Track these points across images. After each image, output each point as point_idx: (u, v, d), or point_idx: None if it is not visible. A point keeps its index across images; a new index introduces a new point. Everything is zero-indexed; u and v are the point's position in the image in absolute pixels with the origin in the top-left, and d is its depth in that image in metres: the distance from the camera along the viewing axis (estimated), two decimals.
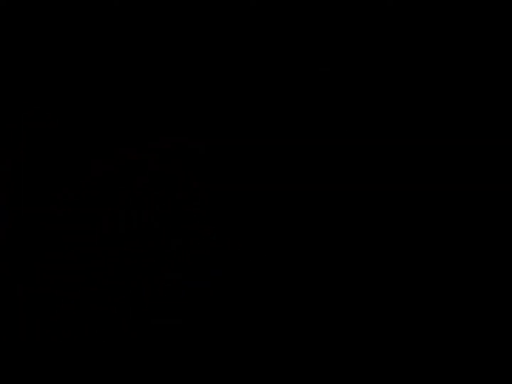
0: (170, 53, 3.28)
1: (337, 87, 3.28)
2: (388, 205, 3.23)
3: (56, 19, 3.25)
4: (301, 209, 3.25)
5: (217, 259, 3.21)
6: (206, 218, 3.23)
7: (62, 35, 3.26)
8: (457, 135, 3.25)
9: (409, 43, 3.26)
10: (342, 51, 3.27)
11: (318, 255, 3.22)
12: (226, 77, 3.29)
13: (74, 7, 3.25)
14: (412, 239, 3.22)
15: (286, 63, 3.29)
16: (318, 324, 3.17)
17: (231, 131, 3.28)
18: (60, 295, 3.15)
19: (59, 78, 3.27)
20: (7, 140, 3.23)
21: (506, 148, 3.23)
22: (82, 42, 3.27)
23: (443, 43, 3.26)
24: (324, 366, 3.14)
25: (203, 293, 3.19)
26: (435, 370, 3.12)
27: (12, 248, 3.18)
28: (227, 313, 3.18)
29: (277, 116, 3.28)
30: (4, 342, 3.11)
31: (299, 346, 3.15)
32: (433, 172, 3.24)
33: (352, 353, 3.14)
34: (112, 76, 3.27)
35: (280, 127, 3.27)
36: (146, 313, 3.16)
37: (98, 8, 3.25)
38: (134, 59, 3.28)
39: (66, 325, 3.14)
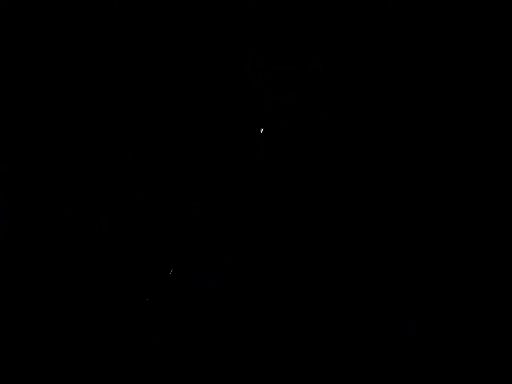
0: (171, 54, 3.28)
1: (336, 86, 3.28)
2: (388, 205, 3.23)
3: (56, 19, 3.25)
4: (301, 209, 3.25)
5: (217, 259, 3.21)
6: (206, 218, 3.23)
7: (62, 35, 3.26)
8: (457, 135, 3.25)
9: (409, 43, 3.25)
10: (342, 51, 3.27)
11: (316, 253, 3.22)
12: (224, 78, 3.29)
13: (74, 7, 3.25)
14: (412, 239, 3.22)
15: (286, 63, 3.29)
16: (312, 315, 3.17)
17: (231, 131, 3.28)
18: (60, 295, 3.15)
19: (59, 78, 3.27)
20: (7, 140, 3.23)
21: (506, 148, 3.23)
22: (82, 42, 3.27)
23: (443, 43, 3.26)
24: (324, 366, 3.14)
25: (203, 293, 3.19)
26: (435, 370, 3.12)
27: (12, 248, 3.18)
28: (227, 312, 3.18)
29: (275, 116, 3.28)
30: (4, 342, 3.11)
31: (300, 346, 3.15)
32: (433, 172, 3.25)
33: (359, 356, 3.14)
34: (112, 77, 3.27)
35: (278, 127, 3.28)
36: (146, 313, 3.16)
37: (98, 8, 3.25)
38: (135, 59, 3.28)
39: (66, 325, 3.14)
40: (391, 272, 3.20)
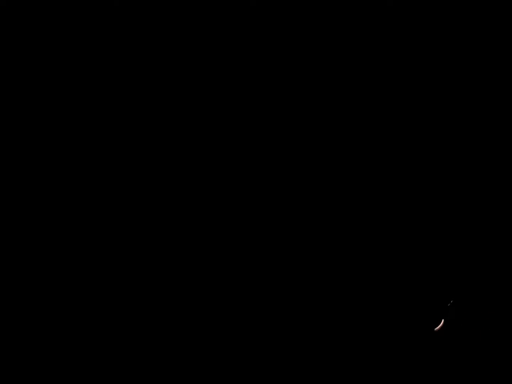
0: (171, 54, 3.29)
1: (335, 86, 3.28)
2: (388, 205, 3.24)
3: (56, 19, 3.25)
4: (301, 209, 3.25)
5: (217, 259, 3.21)
6: (206, 218, 3.23)
7: (61, 35, 3.26)
8: (457, 135, 3.25)
9: (409, 43, 3.26)
10: (341, 51, 3.27)
11: (316, 253, 3.22)
12: (224, 78, 3.29)
13: (74, 7, 3.25)
14: (411, 239, 3.22)
15: (285, 64, 3.29)
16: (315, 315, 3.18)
17: (230, 130, 3.28)
18: (60, 295, 3.15)
19: (58, 78, 3.27)
20: (7, 140, 3.23)
21: (506, 148, 3.24)
22: (82, 42, 3.27)
23: (443, 43, 3.26)
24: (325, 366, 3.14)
25: (203, 293, 3.19)
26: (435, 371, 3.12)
27: (12, 248, 3.18)
28: (227, 313, 3.18)
29: (273, 117, 3.29)
30: (4, 342, 3.11)
31: (300, 347, 3.16)
32: (433, 172, 3.25)
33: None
34: (111, 77, 3.28)
35: (278, 128, 3.28)
36: (146, 313, 3.16)
37: (98, 8, 3.25)
38: (135, 59, 3.28)
39: (66, 325, 3.14)
40: (391, 272, 3.21)
